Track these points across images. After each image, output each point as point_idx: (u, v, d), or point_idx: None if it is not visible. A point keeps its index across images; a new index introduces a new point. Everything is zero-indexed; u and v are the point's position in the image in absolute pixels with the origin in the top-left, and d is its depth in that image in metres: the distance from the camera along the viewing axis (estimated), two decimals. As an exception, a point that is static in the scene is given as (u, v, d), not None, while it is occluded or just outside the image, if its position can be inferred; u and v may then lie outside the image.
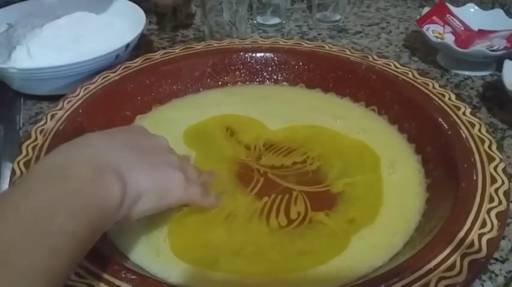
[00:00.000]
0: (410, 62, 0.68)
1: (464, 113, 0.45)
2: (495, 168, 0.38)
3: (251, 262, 0.36)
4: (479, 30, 0.67)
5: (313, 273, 0.35)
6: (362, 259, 0.36)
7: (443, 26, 0.68)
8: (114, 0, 0.70)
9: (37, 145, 0.43)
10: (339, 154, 0.47)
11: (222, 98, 0.56)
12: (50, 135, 0.44)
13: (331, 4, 0.79)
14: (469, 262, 0.31)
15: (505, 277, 0.37)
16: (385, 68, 0.53)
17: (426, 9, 0.69)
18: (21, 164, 0.40)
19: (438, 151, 0.44)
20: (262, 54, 0.58)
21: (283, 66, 0.58)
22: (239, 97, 0.56)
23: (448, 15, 0.68)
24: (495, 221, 0.34)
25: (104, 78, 0.52)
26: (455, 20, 0.68)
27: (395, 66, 0.53)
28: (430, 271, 0.30)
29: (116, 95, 0.51)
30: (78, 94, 0.50)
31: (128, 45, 0.59)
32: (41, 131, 0.44)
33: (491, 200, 0.35)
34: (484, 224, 0.34)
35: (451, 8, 0.69)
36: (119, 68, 0.54)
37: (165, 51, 0.57)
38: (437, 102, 0.47)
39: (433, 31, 0.67)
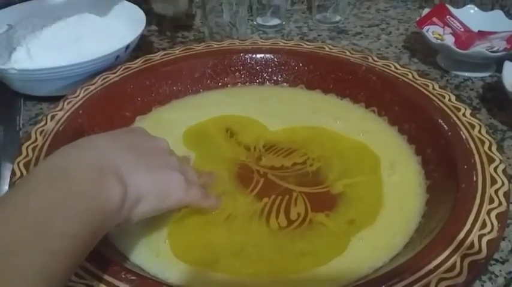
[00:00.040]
0: (410, 63, 0.68)
1: (464, 114, 0.45)
2: (495, 169, 0.38)
3: (251, 262, 0.36)
4: (479, 31, 0.67)
5: (313, 274, 0.35)
6: (362, 260, 0.36)
7: (443, 27, 0.68)
8: (114, 1, 0.71)
9: (37, 145, 0.42)
10: (339, 155, 0.47)
11: (222, 99, 0.56)
12: (50, 136, 0.44)
13: (331, 5, 0.79)
14: (469, 263, 0.31)
15: (505, 277, 0.37)
16: (385, 69, 0.53)
17: (426, 11, 0.69)
18: (21, 165, 0.40)
19: (438, 152, 0.44)
20: (262, 55, 0.58)
21: (283, 67, 0.58)
22: (239, 98, 0.56)
23: (448, 17, 0.68)
24: (495, 222, 0.34)
25: (104, 79, 0.52)
26: (455, 21, 0.68)
27: (395, 67, 0.53)
28: (430, 272, 0.30)
29: (116, 96, 0.51)
30: (78, 95, 0.50)
31: (128, 46, 0.59)
32: (41, 132, 0.44)
33: (491, 201, 0.35)
34: (484, 225, 0.34)
35: (451, 9, 0.69)
36: (119, 69, 0.54)
37: (165, 52, 0.57)
38: (437, 104, 0.47)
39: (433, 32, 0.67)
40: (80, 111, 0.48)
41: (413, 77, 0.51)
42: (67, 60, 0.55)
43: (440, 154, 0.43)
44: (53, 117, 0.46)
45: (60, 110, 0.47)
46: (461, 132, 0.43)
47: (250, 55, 0.58)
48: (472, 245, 0.32)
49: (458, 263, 0.31)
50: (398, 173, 0.44)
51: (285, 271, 0.36)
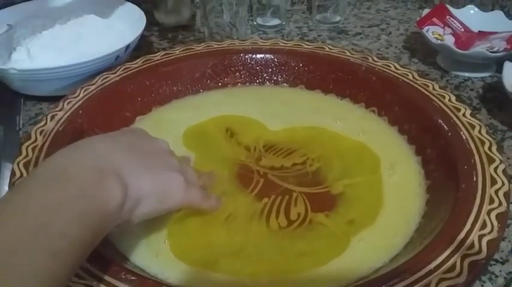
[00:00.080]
0: (410, 64, 0.68)
1: (464, 115, 0.45)
2: (495, 169, 0.38)
3: (251, 262, 0.36)
4: (479, 31, 0.67)
5: (313, 274, 0.35)
6: (362, 260, 0.36)
7: (443, 27, 0.68)
8: (114, 2, 0.71)
9: (37, 145, 0.42)
10: (339, 155, 0.47)
11: (222, 99, 0.56)
12: (50, 136, 0.44)
13: (331, 5, 0.79)
14: (469, 263, 0.31)
15: (505, 278, 0.37)
16: (385, 70, 0.53)
17: (426, 11, 0.69)
18: (21, 165, 0.40)
19: (438, 152, 0.44)
20: (262, 55, 0.58)
21: (283, 67, 0.58)
22: (239, 98, 0.56)
23: (448, 17, 0.68)
24: (495, 223, 0.34)
25: (104, 79, 0.52)
26: (455, 21, 0.68)
27: (395, 67, 0.53)
28: (431, 272, 0.30)
29: (116, 96, 0.51)
30: (78, 95, 0.50)
31: (128, 47, 0.59)
32: (41, 132, 0.44)
33: (492, 201, 0.35)
34: (484, 226, 0.34)
35: (451, 9, 0.69)
36: (119, 69, 0.54)
37: (165, 52, 0.57)
38: (437, 104, 0.47)
39: (433, 32, 0.67)
40: (80, 112, 0.48)
41: (413, 77, 0.51)
42: (67, 60, 0.55)
43: (441, 154, 0.43)
44: (53, 117, 0.46)
45: (60, 110, 0.47)
46: (462, 133, 0.43)
47: (250, 55, 0.58)
48: (472, 245, 0.32)
49: (458, 264, 0.31)
50: (398, 173, 0.44)
51: (285, 271, 0.36)
